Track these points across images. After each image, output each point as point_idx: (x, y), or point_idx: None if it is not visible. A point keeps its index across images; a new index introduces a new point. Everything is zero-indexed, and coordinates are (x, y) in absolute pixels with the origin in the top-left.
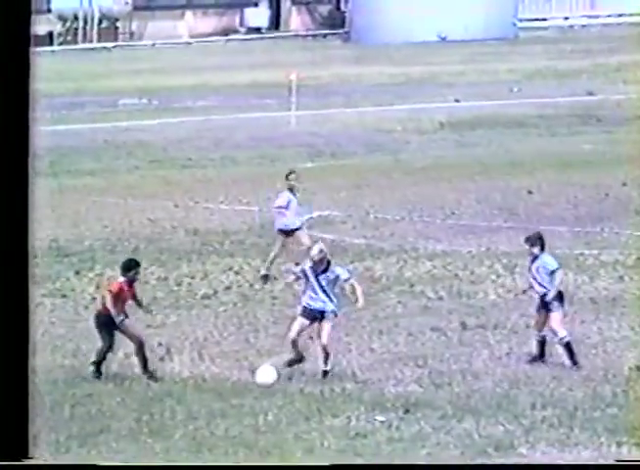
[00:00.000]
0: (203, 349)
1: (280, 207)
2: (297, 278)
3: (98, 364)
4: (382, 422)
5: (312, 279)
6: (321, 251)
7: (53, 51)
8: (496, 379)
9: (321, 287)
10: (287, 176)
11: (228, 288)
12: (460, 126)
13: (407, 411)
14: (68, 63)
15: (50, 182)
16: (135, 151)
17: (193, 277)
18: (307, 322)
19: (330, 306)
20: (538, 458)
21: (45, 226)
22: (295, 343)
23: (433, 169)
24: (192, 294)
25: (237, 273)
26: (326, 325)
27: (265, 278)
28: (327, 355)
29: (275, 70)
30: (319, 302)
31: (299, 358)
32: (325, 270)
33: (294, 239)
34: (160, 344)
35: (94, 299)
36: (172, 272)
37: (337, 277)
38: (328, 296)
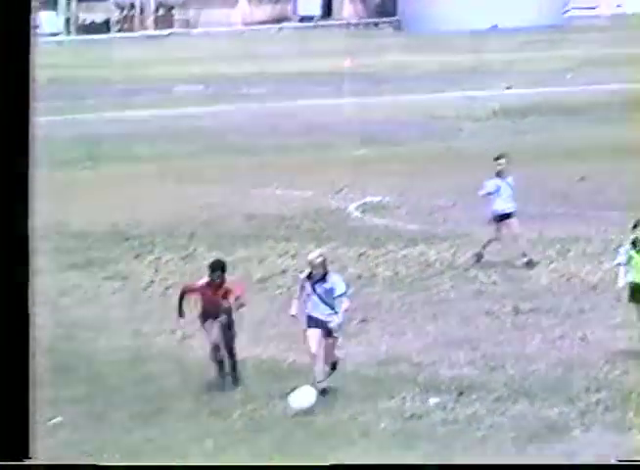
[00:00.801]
0: (260, 331)
1: (489, 193)
2: (301, 291)
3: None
4: (436, 404)
5: (309, 289)
6: (319, 256)
7: (110, 38)
8: (550, 362)
9: (319, 297)
10: (496, 159)
11: (284, 271)
12: (512, 114)
13: (461, 393)
14: (124, 50)
15: (109, 168)
16: (191, 137)
17: (249, 261)
18: (318, 330)
19: (334, 320)
20: (592, 441)
21: (105, 211)
22: (319, 356)
23: (485, 156)
24: (248, 277)
25: (293, 257)
26: (332, 340)
27: (478, 257)
28: (332, 368)
29: (328, 57)
30: (321, 313)
31: (334, 364)
32: (322, 279)
33: (505, 225)
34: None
35: (152, 282)
36: (229, 256)
37: (332, 289)
38: (329, 306)
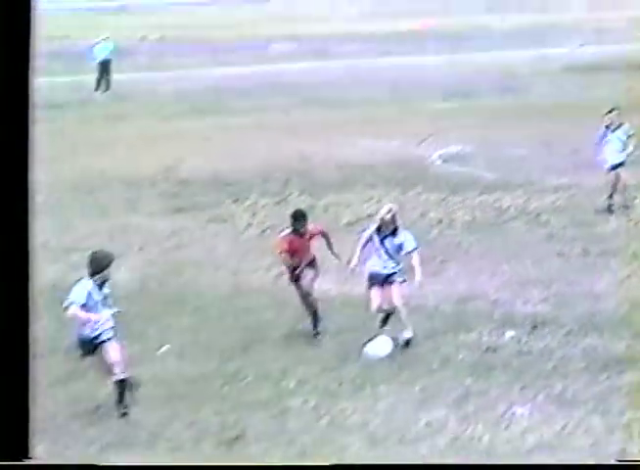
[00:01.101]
0: (347, 270)
1: (600, 143)
2: (365, 243)
3: None
4: (511, 337)
5: (377, 242)
6: (390, 210)
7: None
8: (618, 301)
9: (386, 251)
10: (607, 113)
11: (369, 216)
12: (585, 70)
13: (535, 328)
14: (225, 11)
15: (211, 120)
16: (286, 92)
17: (338, 205)
18: (380, 287)
19: (398, 268)
20: None
21: (208, 159)
22: (381, 309)
23: (558, 109)
24: (337, 221)
25: (378, 202)
26: (395, 289)
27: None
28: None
29: (412, 17)
30: (384, 267)
31: (390, 312)
32: (392, 234)
33: (615, 175)
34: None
35: (250, 224)
36: (319, 201)
37: (401, 245)
38: (393, 260)
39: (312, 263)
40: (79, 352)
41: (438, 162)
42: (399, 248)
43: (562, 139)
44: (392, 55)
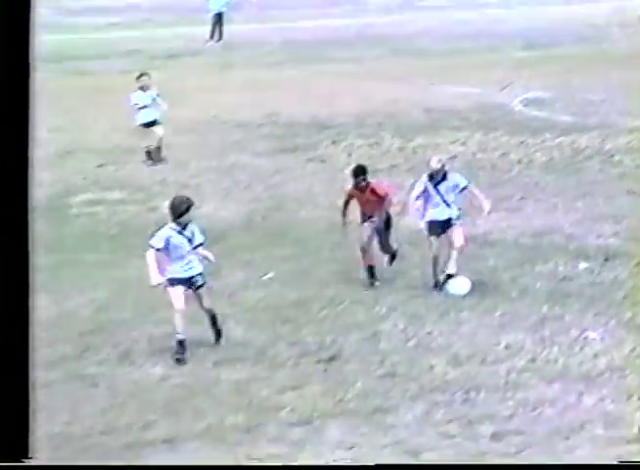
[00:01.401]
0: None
1: None
2: (419, 195)
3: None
4: (585, 268)
5: (432, 190)
6: (439, 160)
7: None
8: None
9: (441, 196)
10: None
11: (454, 157)
12: None
13: (606, 260)
14: None
15: (312, 68)
16: (380, 42)
17: (426, 147)
18: (440, 235)
19: (454, 213)
20: None
21: (309, 104)
22: (437, 259)
23: (633, 57)
24: (425, 161)
25: (462, 144)
26: (456, 231)
27: None
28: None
29: None
30: (442, 212)
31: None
32: (443, 179)
33: None
34: None
35: (347, 164)
36: (410, 143)
37: (455, 185)
38: (449, 205)
39: (376, 218)
40: (170, 285)
41: (519, 106)
42: (454, 189)
43: (636, 85)
44: (476, 8)
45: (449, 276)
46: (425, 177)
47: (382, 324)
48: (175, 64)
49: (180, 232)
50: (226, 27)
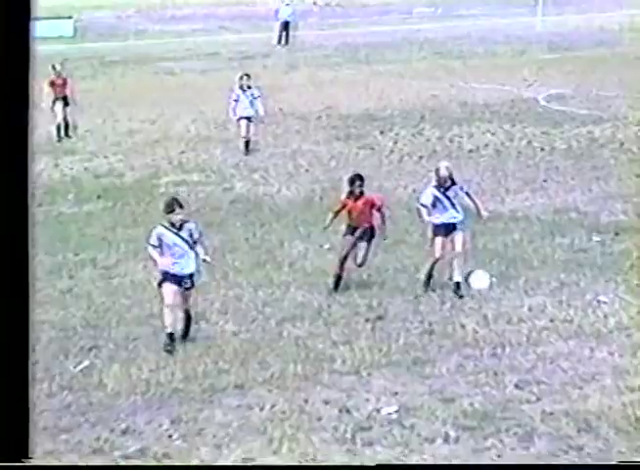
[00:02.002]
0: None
1: None
2: (426, 206)
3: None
4: (597, 241)
5: (441, 196)
6: (447, 168)
7: None
8: None
9: (449, 200)
10: None
11: (486, 145)
12: None
13: (617, 234)
14: None
15: (365, 68)
16: (424, 46)
17: (462, 137)
18: (445, 237)
19: (460, 217)
20: None
21: (361, 99)
22: (442, 258)
23: None
24: (460, 149)
25: (492, 134)
26: (458, 235)
27: None
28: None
29: None
30: (449, 216)
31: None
32: (451, 186)
33: None
34: None
35: (392, 151)
36: (447, 133)
37: (462, 188)
38: (456, 209)
39: (367, 231)
40: (162, 281)
41: (543, 101)
42: (461, 191)
43: None
44: (507, 17)
45: (457, 284)
46: (432, 186)
47: (421, 289)
48: (248, 64)
49: (175, 233)
50: (292, 33)
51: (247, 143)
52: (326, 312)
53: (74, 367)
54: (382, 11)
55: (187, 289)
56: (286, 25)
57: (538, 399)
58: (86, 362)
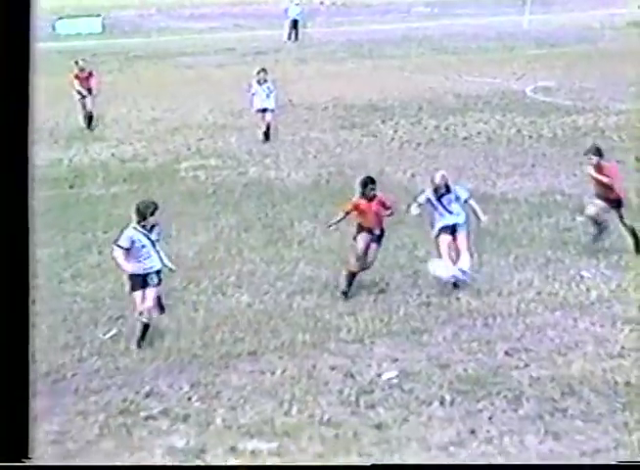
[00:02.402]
0: (462, 172)
1: None
2: (420, 204)
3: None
4: (581, 221)
5: (435, 202)
6: (442, 176)
7: None
8: None
9: (444, 207)
10: None
11: (479, 133)
12: None
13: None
14: None
15: (368, 62)
16: (422, 42)
17: (456, 125)
18: (449, 237)
19: (460, 219)
20: None
21: (364, 91)
22: (450, 255)
23: (622, 55)
24: (455, 136)
25: (485, 123)
26: (460, 235)
27: None
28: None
29: None
30: (448, 220)
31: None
32: (446, 192)
33: None
34: None
35: (392, 139)
36: (443, 122)
37: (457, 197)
38: (452, 213)
39: (375, 231)
40: (131, 289)
41: (530, 93)
42: (457, 200)
43: (624, 76)
44: (496, 15)
45: (463, 271)
46: (429, 191)
47: (419, 265)
48: (261, 59)
49: (145, 234)
50: (300, 30)
51: (265, 133)
52: (332, 286)
53: (103, 335)
54: (383, 10)
55: (155, 286)
56: (295, 23)
57: (526, 366)
58: (114, 330)
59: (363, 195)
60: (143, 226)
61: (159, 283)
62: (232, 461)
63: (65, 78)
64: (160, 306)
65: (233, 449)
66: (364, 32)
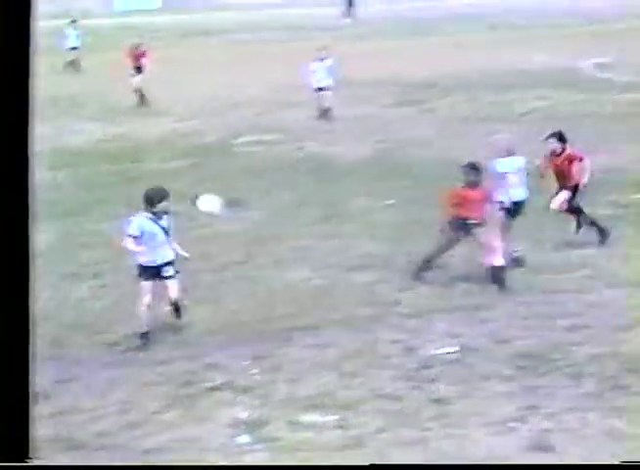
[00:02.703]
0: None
1: None
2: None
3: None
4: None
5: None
6: (508, 142)
7: None
8: None
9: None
10: None
11: (537, 109)
12: None
13: None
14: None
15: (426, 39)
16: (479, 19)
17: (513, 102)
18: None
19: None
20: None
21: (422, 68)
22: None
23: None
24: (513, 112)
25: (544, 99)
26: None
27: None
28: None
29: None
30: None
31: None
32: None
33: None
34: None
35: (450, 115)
36: (500, 98)
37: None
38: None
39: (479, 225)
40: (139, 276)
41: (588, 69)
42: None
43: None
44: None
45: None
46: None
47: None
48: (318, 36)
49: (155, 221)
50: (356, 8)
51: (323, 110)
52: (392, 261)
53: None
54: None
55: (168, 278)
56: (351, 0)
57: (586, 342)
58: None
59: (468, 183)
60: (153, 214)
61: (173, 275)
62: (294, 434)
63: (123, 54)
64: (176, 309)
65: (294, 422)
66: (422, 9)
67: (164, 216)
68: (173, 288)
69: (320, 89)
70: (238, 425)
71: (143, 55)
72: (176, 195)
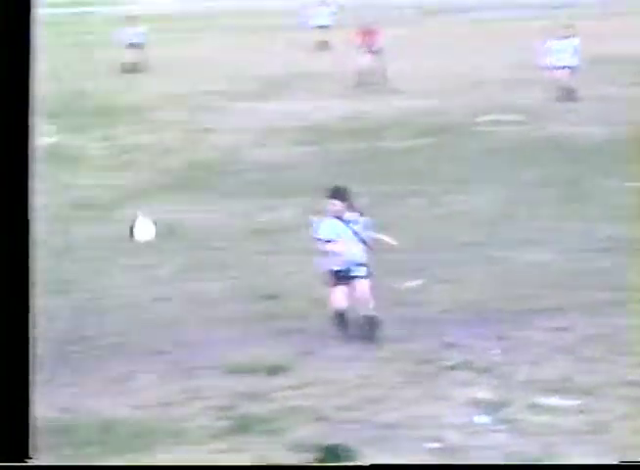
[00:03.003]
0: None
1: None
2: None
3: None
4: None
5: None
6: None
7: None
8: None
9: None
10: None
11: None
12: None
13: None
14: None
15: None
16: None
17: None
18: None
19: None
20: None
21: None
22: None
23: None
24: None
25: None
26: None
27: None
28: None
29: None
30: None
31: None
32: None
33: None
34: None
35: None
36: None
37: None
38: None
39: None
40: (327, 282)
41: None
42: None
43: None
44: None
45: None
46: None
47: None
48: (555, 15)
49: (346, 223)
50: None
51: (567, 90)
52: (633, 245)
53: (408, 284)
54: None
55: (359, 278)
56: None
57: None
58: (418, 281)
59: None
60: (339, 217)
61: (366, 276)
62: (535, 417)
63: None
64: (370, 321)
65: (534, 405)
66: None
67: (358, 220)
68: (364, 288)
69: (563, 67)
70: (477, 405)
71: (375, 33)
72: (414, 174)
